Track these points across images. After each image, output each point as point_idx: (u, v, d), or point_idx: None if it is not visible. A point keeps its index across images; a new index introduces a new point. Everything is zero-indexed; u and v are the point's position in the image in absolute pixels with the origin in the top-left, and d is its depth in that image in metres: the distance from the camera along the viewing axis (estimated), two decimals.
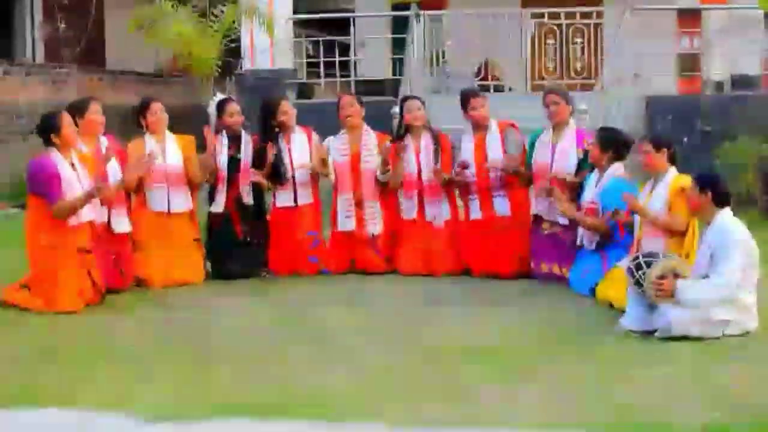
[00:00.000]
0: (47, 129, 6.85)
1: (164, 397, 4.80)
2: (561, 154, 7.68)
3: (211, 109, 8.18)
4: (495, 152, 7.93)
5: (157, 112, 7.83)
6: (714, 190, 5.96)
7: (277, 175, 8.06)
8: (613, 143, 7.28)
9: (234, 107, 8.10)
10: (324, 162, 8.05)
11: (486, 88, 13.06)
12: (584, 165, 7.53)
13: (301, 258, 8.14)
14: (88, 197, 6.81)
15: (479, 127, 8.04)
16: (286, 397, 4.79)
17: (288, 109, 8.21)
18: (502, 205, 7.94)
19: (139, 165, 7.52)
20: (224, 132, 8.06)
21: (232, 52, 13.69)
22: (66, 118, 6.90)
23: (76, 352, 5.73)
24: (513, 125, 8.10)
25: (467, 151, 8.02)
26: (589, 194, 7.31)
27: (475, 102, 8.03)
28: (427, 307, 6.92)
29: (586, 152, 7.51)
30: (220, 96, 8.43)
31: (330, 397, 4.77)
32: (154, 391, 4.91)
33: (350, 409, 4.61)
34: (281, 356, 5.58)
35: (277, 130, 8.19)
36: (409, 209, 8.17)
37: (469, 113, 8.04)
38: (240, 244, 8.00)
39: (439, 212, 8.11)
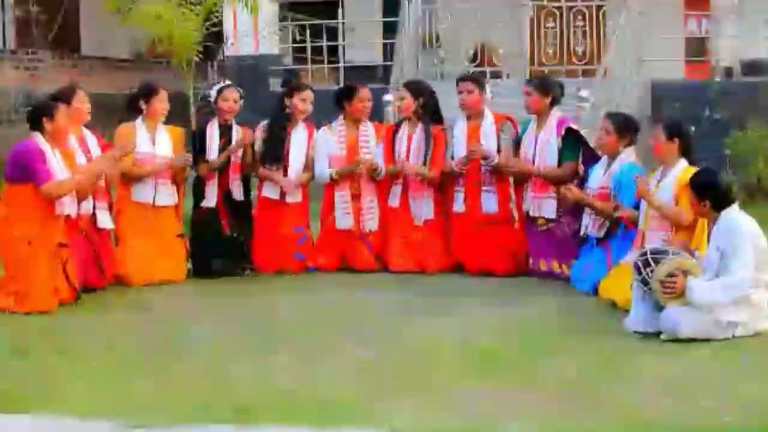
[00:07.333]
0: (42, 113, 6.88)
1: (141, 402, 4.78)
2: (542, 145, 7.72)
3: (212, 94, 8.14)
4: (489, 145, 7.88)
5: (165, 100, 7.89)
6: (712, 198, 5.88)
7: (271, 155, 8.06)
8: (627, 129, 7.32)
9: (232, 93, 8.09)
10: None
11: (483, 74, 13.03)
12: (565, 154, 7.56)
13: (287, 254, 8.12)
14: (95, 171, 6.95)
15: (472, 115, 8.02)
16: (268, 401, 4.78)
17: (307, 99, 8.16)
18: (489, 202, 7.92)
19: (123, 148, 7.47)
20: (215, 121, 8.06)
21: (214, 36, 13.62)
22: (63, 109, 6.96)
23: (49, 355, 5.70)
24: (510, 119, 8.04)
25: (459, 139, 8.00)
26: (597, 181, 7.32)
27: (461, 86, 8.04)
28: (420, 307, 6.89)
29: (564, 140, 7.58)
30: (222, 83, 8.37)
31: (314, 402, 4.76)
32: (131, 396, 4.89)
33: (336, 413, 4.60)
34: (263, 358, 5.56)
35: (288, 111, 8.16)
36: (394, 195, 8.19)
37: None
38: (224, 240, 8.00)
39: (420, 210, 8.09)
